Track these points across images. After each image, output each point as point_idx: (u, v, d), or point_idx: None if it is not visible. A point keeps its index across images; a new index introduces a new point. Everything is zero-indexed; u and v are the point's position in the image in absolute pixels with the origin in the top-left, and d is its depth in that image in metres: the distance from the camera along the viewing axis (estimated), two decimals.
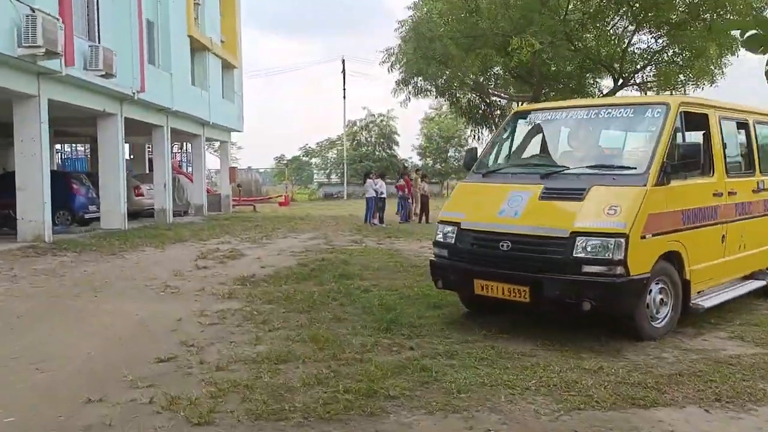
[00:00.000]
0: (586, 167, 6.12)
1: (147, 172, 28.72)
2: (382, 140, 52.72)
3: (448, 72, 9.12)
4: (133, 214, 22.68)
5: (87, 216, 18.54)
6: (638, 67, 12.76)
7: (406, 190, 21.41)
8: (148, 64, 18.79)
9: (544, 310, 6.22)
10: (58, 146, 33.97)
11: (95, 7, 16.55)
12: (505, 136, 7.08)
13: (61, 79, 14.43)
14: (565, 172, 6.13)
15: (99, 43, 16.01)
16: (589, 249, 5.42)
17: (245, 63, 31.56)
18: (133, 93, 17.55)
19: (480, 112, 19.61)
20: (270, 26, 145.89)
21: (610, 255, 5.34)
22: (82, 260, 12.09)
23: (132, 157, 31.81)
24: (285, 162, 52.27)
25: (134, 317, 7.32)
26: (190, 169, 38.93)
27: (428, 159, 54.30)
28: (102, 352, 5.86)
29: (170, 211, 21.59)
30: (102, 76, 15.71)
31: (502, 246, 5.82)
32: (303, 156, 52.92)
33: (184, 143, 40.43)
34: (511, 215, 5.91)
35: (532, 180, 6.19)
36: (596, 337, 5.92)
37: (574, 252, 5.45)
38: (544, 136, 6.97)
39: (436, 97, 19.81)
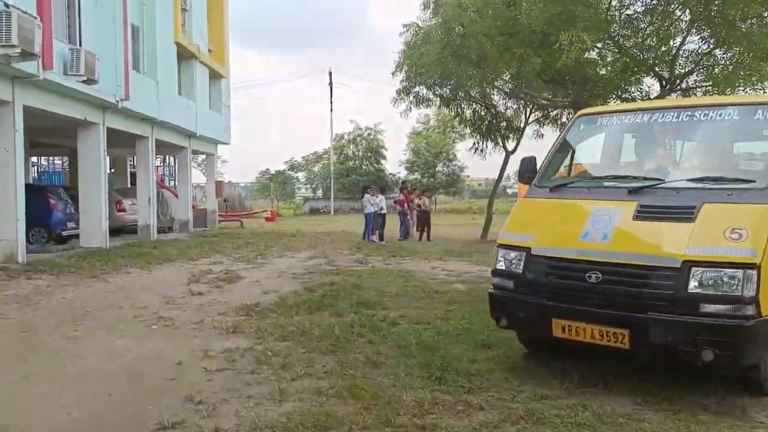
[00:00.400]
0: (688, 180, 5.02)
1: (129, 186, 27.40)
2: (369, 154, 51.69)
3: (478, 72, 8.03)
4: (115, 231, 21.32)
5: (65, 233, 17.16)
6: (687, 69, 11.56)
7: (405, 205, 20.28)
8: (132, 71, 17.53)
9: (647, 357, 5.02)
10: (34, 159, 32.50)
11: (76, 9, 15.30)
12: (570, 143, 5.96)
13: (38, 83, 13.13)
14: (662, 185, 5.01)
15: (81, 46, 14.76)
16: (708, 283, 4.31)
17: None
18: (117, 101, 16.27)
19: (485, 123, 18.56)
20: (249, 41, 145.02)
21: (738, 290, 4.23)
22: (61, 284, 10.77)
23: (113, 170, 30.41)
24: (270, 176, 50.98)
25: (124, 359, 6.09)
26: (172, 183, 37.64)
27: (416, 174, 53.31)
28: (85, 413, 4.62)
29: (154, 228, 20.26)
30: (83, 81, 14.45)
31: (590, 277, 4.69)
32: (288, 170, 51.68)
33: (167, 156, 39.11)
34: (599, 239, 4.78)
35: (618, 195, 5.08)
36: (703, 387, 4.80)
37: (688, 286, 4.34)
38: (620, 142, 5.88)
39: (439, 107, 18.76)
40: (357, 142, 51.92)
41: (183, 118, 21.80)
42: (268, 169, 51.98)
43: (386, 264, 13.67)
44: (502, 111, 18.48)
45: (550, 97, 11.18)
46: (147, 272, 12.51)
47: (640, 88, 10.98)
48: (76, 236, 16.94)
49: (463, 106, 18.53)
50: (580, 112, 5.98)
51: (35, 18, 11.97)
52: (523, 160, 5.97)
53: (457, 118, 18.85)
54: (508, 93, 9.47)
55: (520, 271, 5.18)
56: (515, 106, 18.10)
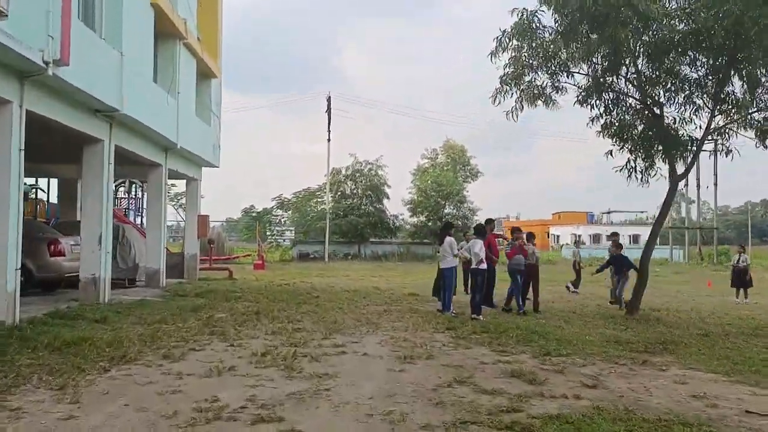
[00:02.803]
0: None
1: (78, 219, 20.09)
2: (369, 192, 44.69)
3: None
4: (48, 285, 14.10)
5: None
6: None
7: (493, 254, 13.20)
8: (78, 22, 10.53)
9: None
10: None
11: None
12: None
13: None
14: None
15: None
16: None
17: None
18: (46, 63, 9.17)
19: (646, 129, 11.60)
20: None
21: None
22: None
23: (55, 203, 22.93)
24: (255, 214, 43.54)
25: None
26: (140, 220, 30.22)
27: (421, 216, 46.43)
28: None
29: (106, 283, 12.94)
30: None
31: None
32: (277, 208, 44.28)
33: (132, 184, 31.77)
34: None
35: None
36: None
37: None
38: None
39: (578, 101, 11.86)
40: (356, 179, 44.95)
41: (159, 118, 14.69)
42: (252, 206, 44.56)
43: (587, 386, 6.56)
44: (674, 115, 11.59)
45: None
46: (72, 409, 5.28)
47: None
48: None
49: (610, 103, 11.66)
50: None
51: None
52: None
53: (601, 122, 11.98)
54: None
55: None
56: (693, 106, 11.37)
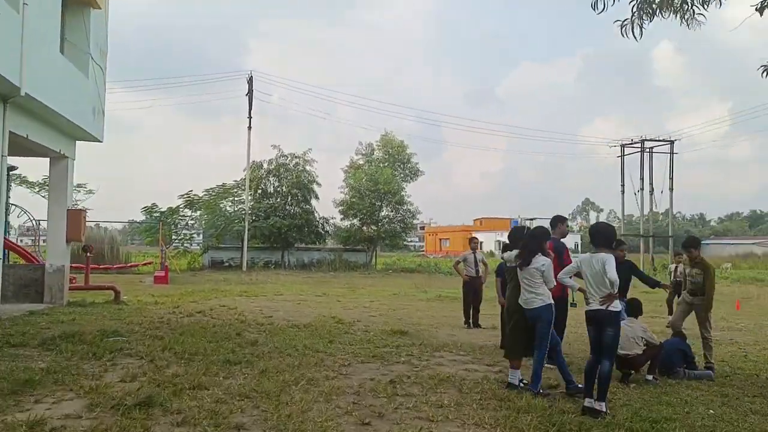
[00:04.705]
0: None
1: None
2: (295, 191, 38.40)
3: None
4: None
5: None
6: None
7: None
8: None
9: None
10: None
11: None
12: None
13: None
14: None
15: None
16: None
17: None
18: None
19: None
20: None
21: None
22: None
23: None
24: (158, 213, 36.27)
25: None
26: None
27: (355, 220, 40.67)
28: None
29: None
30: None
31: None
32: (184, 207, 37.18)
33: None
34: None
35: None
36: None
37: None
38: None
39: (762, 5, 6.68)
40: (280, 174, 38.54)
41: None
42: (154, 204, 37.22)
43: None
44: None
45: None
46: None
47: None
48: None
49: None
50: None
51: None
52: None
53: None
54: None
55: None
56: None
